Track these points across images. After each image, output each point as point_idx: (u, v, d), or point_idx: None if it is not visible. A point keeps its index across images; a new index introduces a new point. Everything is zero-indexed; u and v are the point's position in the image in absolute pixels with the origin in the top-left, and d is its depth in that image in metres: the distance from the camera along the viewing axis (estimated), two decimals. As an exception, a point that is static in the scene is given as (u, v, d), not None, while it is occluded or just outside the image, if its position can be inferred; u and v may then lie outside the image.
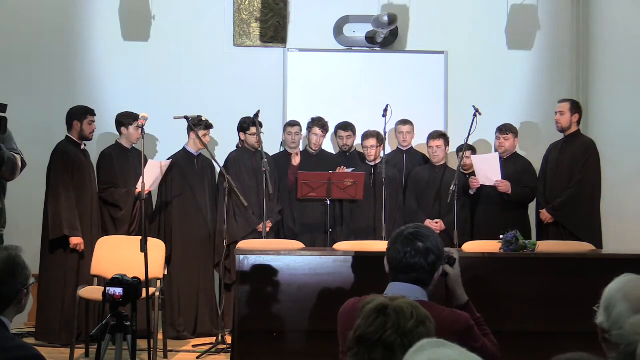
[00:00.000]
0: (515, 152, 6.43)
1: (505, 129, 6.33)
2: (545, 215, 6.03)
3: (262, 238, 5.84)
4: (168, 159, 6.26)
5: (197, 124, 6.13)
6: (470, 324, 2.55)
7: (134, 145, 6.24)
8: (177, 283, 6.15)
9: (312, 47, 7.17)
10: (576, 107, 6.12)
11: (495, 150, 6.44)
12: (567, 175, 6.02)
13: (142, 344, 4.95)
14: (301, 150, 6.58)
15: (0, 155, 4.50)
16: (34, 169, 5.35)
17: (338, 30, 7.20)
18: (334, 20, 7.20)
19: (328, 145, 6.98)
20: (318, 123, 6.45)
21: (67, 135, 5.99)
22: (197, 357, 5.45)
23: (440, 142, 6.30)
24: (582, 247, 5.35)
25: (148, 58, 7.06)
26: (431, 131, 6.43)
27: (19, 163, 4.70)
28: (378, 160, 6.28)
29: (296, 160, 6.25)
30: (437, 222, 6.17)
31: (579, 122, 6.15)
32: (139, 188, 5.57)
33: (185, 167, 6.29)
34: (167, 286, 6.04)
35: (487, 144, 6.92)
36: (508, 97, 7.28)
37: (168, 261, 6.08)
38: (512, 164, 6.29)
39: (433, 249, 2.57)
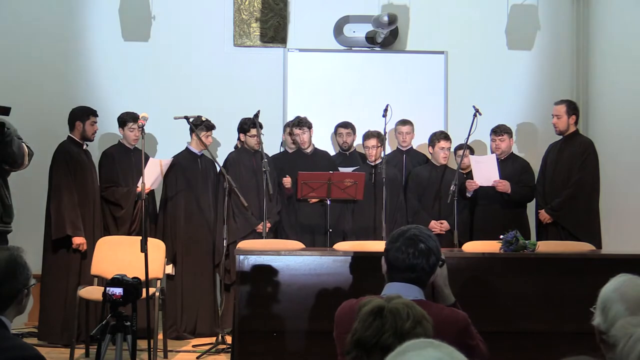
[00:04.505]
0: (512, 152, 6.42)
1: (500, 131, 6.32)
2: (544, 215, 6.03)
3: (261, 238, 5.84)
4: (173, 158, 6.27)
5: (198, 125, 6.14)
6: (468, 322, 2.57)
7: (136, 145, 6.25)
8: (180, 283, 6.15)
9: (312, 47, 7.17)
10: (572, 108, 6.11)
11: (492, 152, 6.44)
12: (566, 175, 6.02)
13: (142, 344, 4.95)
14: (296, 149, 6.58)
15: (8, 134, 4.41)
16: (35, 169, 5.35)
17: (338, 30, 7.21)
18: (334, 20, 7.20)
19: (328, 145, 6.98)
20: (296, 123, 6.40)
21: (69, 136, 6.00)
22: (197, 357, 5.45)
23: (449, 144, 6.31)
24: (582, 247, 5.35)
25: (148, 58, 7.06)
26: (435, 131, 6.40)
27: (26, 149, 4.67)
28: (379, 161, 6.28)
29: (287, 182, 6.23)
30: (441, 223, 6.17)
31: (576, 123, 6.14)
32: (139, 187, 5.57)
33: (188, 167, 6.29)
34: (173, 286, 6.05)
35: (486, 144, 6.91)
36: (508, 97, 7.28)
37: (174, 261, 6.10)
38: (510, 164, 6.29)
39: (434, 249, 2.58)
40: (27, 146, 4.72)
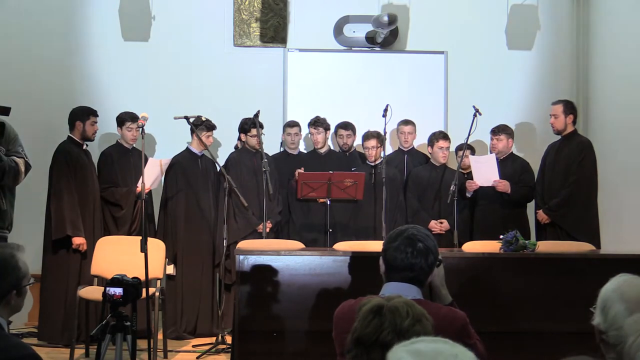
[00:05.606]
0: (511, 152, 6.42)
1: (497, 130, 6.33)
2: (542, 215, 6.03)
3: (262, 238, 5.84)
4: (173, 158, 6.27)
5: (199, 125, 6.14)
6: (466, 321, 2.57)
7: (134, 145, 6.26)
8: (180, 283, 6.15)
9: (312, 47, 7.17)
10: (570, 108, 6.11)
11: (491, 151, 6.44)
12: (564, 175, 6.02)
13: (142, 344, 4.95)
14: (305, 151, 6.59)
15: (0, 167, 4.47)
16: (35, 169, 5.35)
17: (338, 30, 7.20)
18: (334, 20, 7.19)
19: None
20: (313, 122, 6.46)
21: (69, 136, 5.99)
22: (197, 357, 5.45)
23: (448, 143, 6.32)
24: (582, 247, 5.35)
25: (148, 58, 7.06)
26: (434, 131, 6.41)
27: (22, 168, 4.67)
28: (379, 161, 6.27)
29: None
30: (441, 223, 6.17)
31: (574, 122, 6.14)
32: (139, 187, 5.57)
33: (189, 167, 6.29)
34: (173, 286, 6.05)
35: (486, 144, 6.91)
36: (508, 97, 7.28)
37: (174, 261, 6.10)
38: (509, 164, 6.29)
39: (432, 249, 2.58)
40: (26, 160, 4.71)
